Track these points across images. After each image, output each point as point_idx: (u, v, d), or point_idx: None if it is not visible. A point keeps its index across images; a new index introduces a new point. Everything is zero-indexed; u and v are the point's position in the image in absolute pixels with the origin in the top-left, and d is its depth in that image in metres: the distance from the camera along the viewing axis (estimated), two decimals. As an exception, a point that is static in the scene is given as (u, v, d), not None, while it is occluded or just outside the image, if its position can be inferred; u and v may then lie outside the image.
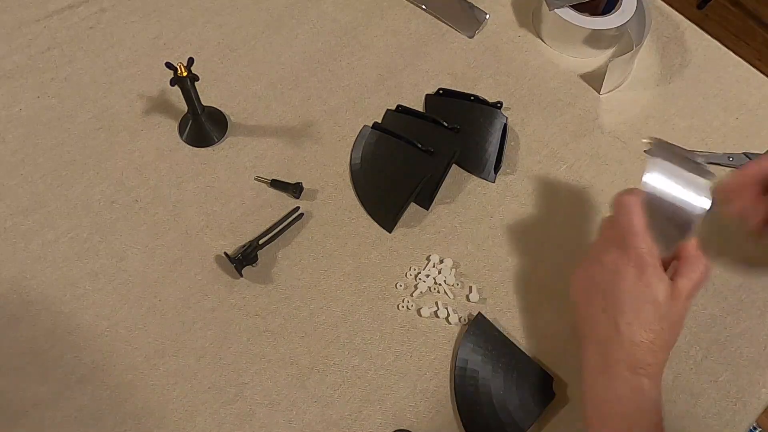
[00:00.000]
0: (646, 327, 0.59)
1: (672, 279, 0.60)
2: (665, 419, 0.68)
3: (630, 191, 0.62)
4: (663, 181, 0.61)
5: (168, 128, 0.80)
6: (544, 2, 0.83)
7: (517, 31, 0.88)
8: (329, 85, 0.83)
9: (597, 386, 0.61)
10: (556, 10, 0.82)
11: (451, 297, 0.73)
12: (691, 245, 0.62)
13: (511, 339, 0.70)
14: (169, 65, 0.69)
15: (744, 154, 0.79)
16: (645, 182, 0.61)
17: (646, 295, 0.60)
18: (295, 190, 0.76)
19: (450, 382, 0.69)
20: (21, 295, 0.70)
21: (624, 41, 0.88)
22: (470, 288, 0.73)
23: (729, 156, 0.80)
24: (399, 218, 0.75)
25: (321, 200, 0.77)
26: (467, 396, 0.68)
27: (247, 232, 0.74)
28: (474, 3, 0.90)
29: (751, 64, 0.88)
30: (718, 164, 0.80)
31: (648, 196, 0.61)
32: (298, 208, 0.74)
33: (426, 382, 0.69)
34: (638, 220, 0.60)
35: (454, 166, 0.79)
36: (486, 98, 0.81)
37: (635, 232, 0.60)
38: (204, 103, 0.77)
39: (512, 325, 0.72)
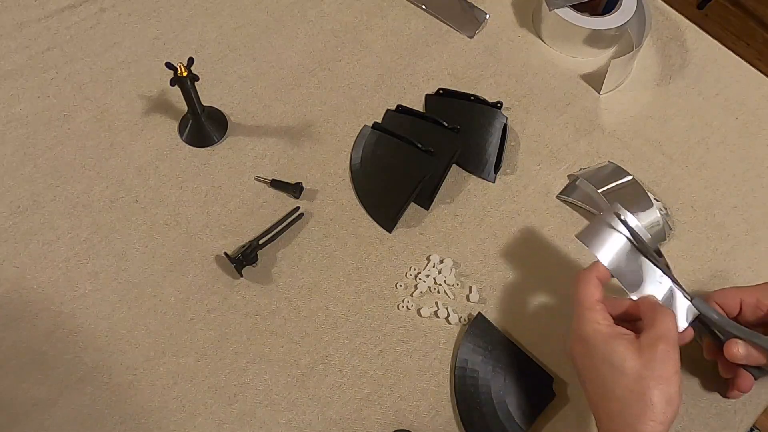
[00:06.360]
0: (612, 397, 0.56)
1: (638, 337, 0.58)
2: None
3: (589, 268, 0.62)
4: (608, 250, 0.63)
5: (168, 128, 0.80)
6: (544, 2, 0.83)
7: (517, 31, 0.88)
8: (329, 85, 0.83)
9: None
10: (556, 10, 0.82)
11: (451, 297, 0.73)
12: (646, 301, 0.61)
13: (511, 339, 0.70)
14: (169, 65, 0.69)
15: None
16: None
17: (605, 364, 0.57)
18: (295, 190, 0.76)
19: (450, 382, 0.69)
20: (21, 295, 0.70)
21: (624, 41, 0.88)
22: (470, 288, 0.73)
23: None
24: (399, 218, 0.75)
25: (321, 200, 0.77)
26: (467, 396, 0.67)
27: (247, 232, 0.74)
28: (474, 3, 0.90)
29: (751, 64, 0.88)
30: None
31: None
32: (298, 208, 0.74)
33: (426, 382, 0.69)
34: (584, 292, 0.60)
35: (454, 166, 0.79)
36: (486, 98, 0.81)
37: (583, 305, 0.60)
38: (204, 103, 0.77)
39: (512, 325, 0.72)
